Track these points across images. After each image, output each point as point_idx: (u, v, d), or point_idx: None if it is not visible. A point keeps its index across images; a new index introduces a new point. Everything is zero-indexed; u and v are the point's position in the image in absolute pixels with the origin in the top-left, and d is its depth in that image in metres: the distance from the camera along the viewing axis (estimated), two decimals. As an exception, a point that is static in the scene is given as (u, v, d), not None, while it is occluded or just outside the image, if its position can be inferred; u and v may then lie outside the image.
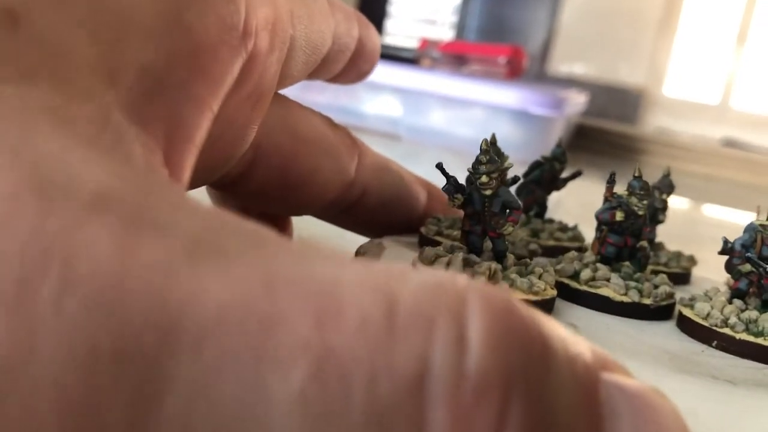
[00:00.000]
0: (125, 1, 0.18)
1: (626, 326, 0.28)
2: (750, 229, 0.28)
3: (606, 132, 1.33)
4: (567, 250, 0.34)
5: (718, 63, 1.54)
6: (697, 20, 1.53)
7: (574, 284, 0.30)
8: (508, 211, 0.28)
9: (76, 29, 0.17)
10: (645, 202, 0.31)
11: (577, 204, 0.89)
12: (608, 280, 0.29)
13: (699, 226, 0.87)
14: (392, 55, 1.12)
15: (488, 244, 0.29)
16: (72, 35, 0.17)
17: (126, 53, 0.17)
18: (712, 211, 0.99)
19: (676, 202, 0.97)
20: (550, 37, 1.52)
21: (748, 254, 0.28)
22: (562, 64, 1.54)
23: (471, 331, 0.11)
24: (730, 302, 0.28)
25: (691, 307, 0.29)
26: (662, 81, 1.56)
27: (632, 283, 0.29)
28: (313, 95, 1.15)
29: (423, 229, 0.35)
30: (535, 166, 0.42)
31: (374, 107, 1.10)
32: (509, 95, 1.00)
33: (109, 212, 0.12)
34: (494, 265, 0.26)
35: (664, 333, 0.28)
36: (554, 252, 0.35)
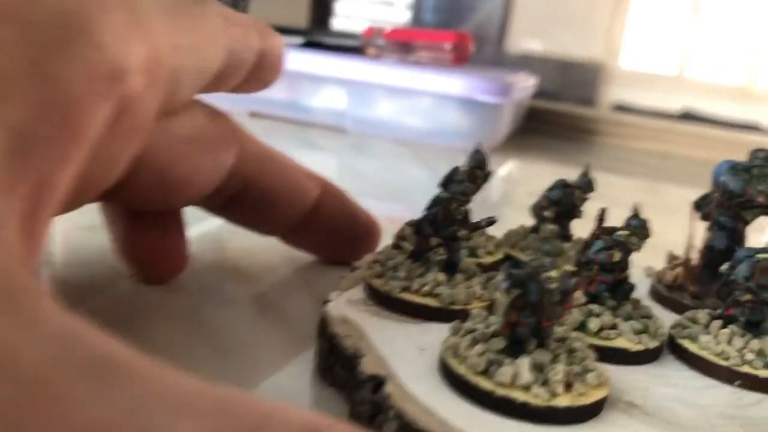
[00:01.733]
0: None
1: (649, 379, 0.28)
2: (747, 259, 0.30)
3: (559, 114, 1.31)
4: None
5: (673, 33, 1.54)
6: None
7: (590, 339, 0.29)
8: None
9: None
10: (643, 241, 0.31)
11: (526, 192, 0.87)
12: (614, 327, 0.29)
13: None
14: (337, 46, 1.09)
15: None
16: None
17: None
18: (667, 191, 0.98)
19: (631, 184, 0.96)
20: (506, 15, 1.50)
21: (749, 284, 0.29)
22: (519, 43, 1.52)
23: None
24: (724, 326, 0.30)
25: (693, 339, 0.29)
26: (618, 54, 1.55)
27: (635, 324, 0.30)
28: (262, 92, 1.12)
29: (366, 275, 0.33)
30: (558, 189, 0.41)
31: (319, 100, 1.06)
32: (455, 83, 0.98)
33: None
34: (567, 368, 0.24)
35: (684, 380, 0.29)
36: None
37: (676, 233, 0.71)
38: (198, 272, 0.42)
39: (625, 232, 0.31)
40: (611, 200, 0.89)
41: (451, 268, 0.33)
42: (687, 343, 0.30)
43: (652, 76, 1.52)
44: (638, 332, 0.29)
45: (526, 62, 1.41)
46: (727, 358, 0.28)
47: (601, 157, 1.17)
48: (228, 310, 0.38)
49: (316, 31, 1.34)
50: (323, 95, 1.06)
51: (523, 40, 1.53)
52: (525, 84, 1.12)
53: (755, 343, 0.28)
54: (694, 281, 0.39)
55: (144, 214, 0.36)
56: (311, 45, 1.11)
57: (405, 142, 1.03)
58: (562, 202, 0.41)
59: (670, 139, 1.26)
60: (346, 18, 1.51)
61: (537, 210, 0.42)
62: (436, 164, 0.94)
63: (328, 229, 0.41)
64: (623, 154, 1.21)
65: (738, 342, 0.29)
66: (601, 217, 0.33)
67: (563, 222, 0.41)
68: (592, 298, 0.31)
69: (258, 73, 0.33)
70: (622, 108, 1.44)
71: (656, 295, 0.40)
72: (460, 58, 1.07)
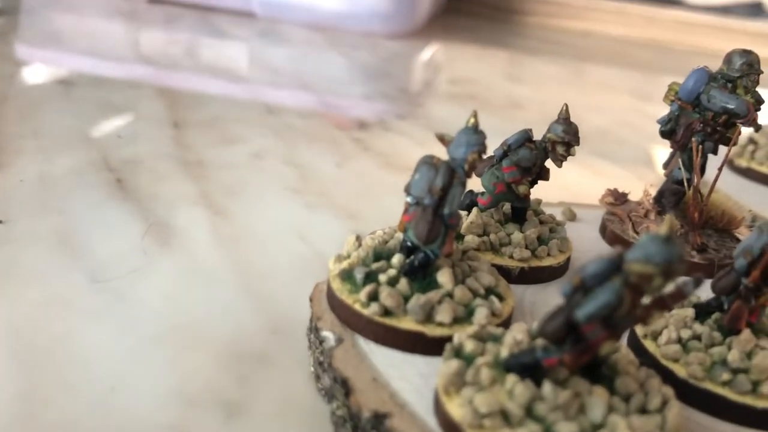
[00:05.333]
0: None
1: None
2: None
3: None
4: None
5: None
6: None
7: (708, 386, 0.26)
8: None
9: None
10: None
11: (448, 80, 0.83)
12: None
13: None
14: None
15: None
16: None
17: None
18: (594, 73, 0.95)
19: (555, 67, 0.92)
20: None
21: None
22: None
23: None
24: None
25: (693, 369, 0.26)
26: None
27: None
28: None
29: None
30: None
31: (223, -18, 0.97)
32: (371, -40, 0.91)
33: None
34: None
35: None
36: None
37: (602, 119, 0.69)
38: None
39: None
40: (537, 84, 0.86)
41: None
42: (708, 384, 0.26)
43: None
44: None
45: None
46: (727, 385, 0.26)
47: (526, 38, 1.13)
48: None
49: None
50: (227, -24, 0.97)
51: None
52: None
53: (733, 358, 0.26)
54: (695, 227, 0.35)
55: None
56: None
57: (318, 27, 0.96)
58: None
59: (594, 16, 1.22)
60: None
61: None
62: (352, 52, 0.88)
63: None
64: (548, 35, 1.17)
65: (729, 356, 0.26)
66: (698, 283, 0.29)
67: None
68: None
69: None
70: None
71: (625, 245, 0.37)
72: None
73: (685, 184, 0.35)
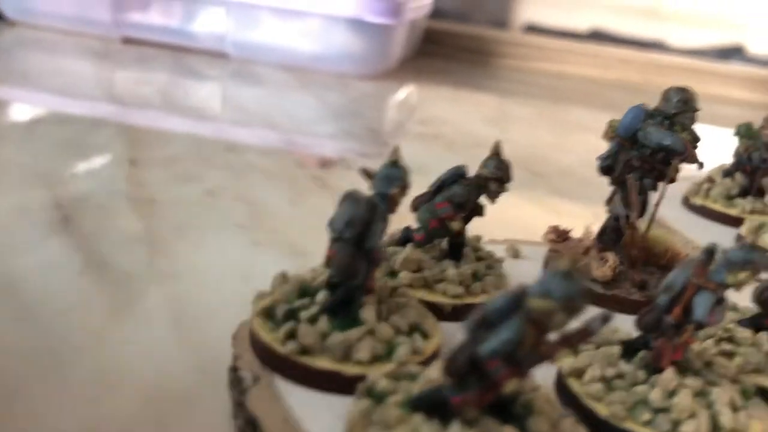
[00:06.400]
0: None
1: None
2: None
3: (458, 35, 1.26)
4: None
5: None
6: None
7: None
8: None
9: None
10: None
11: (420, 120, 0.83)
12: None
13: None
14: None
15: None
16: None
17: None
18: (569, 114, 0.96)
19: (529, 107, 0.93)
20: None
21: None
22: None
23: None
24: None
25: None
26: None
27: None
28: (136, 16, 1.03)
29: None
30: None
31: (198, 24, 0.98)
32: (343, 3, 0.91)
33: None
34: None
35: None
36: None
37: (568, 158, 0.69)
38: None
39: None
40: (507, 124, 0.86)
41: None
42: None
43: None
44: None
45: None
46: None
47: (499, 80, 1.14)
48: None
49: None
50: (202, 18, 0.98)
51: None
52: (419, 3, 1.06)
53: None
54: (635, 264, 0.34)
55: None
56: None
57: (291, 68, 0.97)
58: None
59: (569, 59, 1.23)
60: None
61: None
62: (323, 92, 0.88)
63: None
64: (523, 77, 1.18)
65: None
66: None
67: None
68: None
69: None
70: (532, 28, 1.40)
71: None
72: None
73: (624, 221, 0.35)
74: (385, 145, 0.69)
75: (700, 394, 0.25)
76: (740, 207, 0.50)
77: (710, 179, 0.53)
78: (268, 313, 0.28)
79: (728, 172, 0.52)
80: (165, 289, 0.38)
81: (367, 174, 0.27)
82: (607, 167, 0.35)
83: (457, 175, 0.32)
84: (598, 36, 1.36)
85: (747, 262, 0.24)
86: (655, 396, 0.24)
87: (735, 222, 0.49)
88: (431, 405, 0.22)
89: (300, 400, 0.25)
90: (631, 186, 0.34)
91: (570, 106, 1.00)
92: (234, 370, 0.28)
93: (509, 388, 0.21)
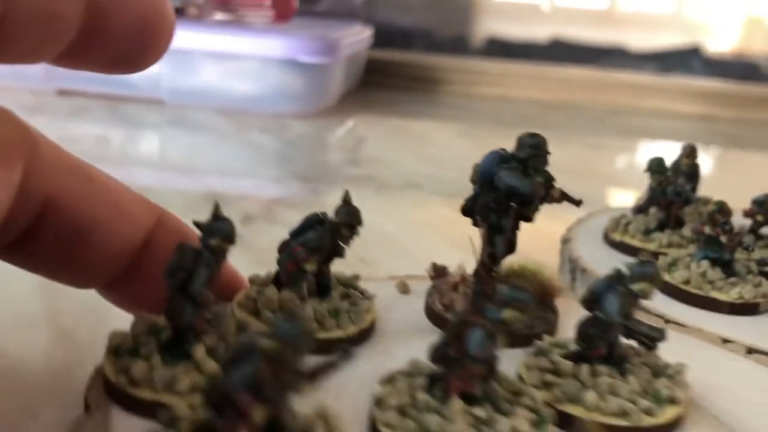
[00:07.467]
0: None
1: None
2: (612, 292, 0.30)
3: (399, 64, 1.27)
4: None
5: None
6: None
7: None
8: None
9: None
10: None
11: (367, 158, 0.82)
12: None
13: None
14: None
15: None
16: None
17: None
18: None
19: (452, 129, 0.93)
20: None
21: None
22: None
23: None
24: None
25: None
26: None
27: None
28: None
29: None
30: None
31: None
32: (276, 45, 0.92)
33: None
34: None
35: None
36: None
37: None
38: None
39: None
40: (444, 158, 0.86)
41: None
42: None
43: (522, 6, 1.50)
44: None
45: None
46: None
47: (442, 106, 1.14)
48: None
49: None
50: (136, 65, 0.97)
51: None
52: (356, 38, 1.06)
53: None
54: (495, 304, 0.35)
55: None
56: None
57: (228, 111, 0.96)
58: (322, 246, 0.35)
59: (511, 82, 1.24)
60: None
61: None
62: (258, 136, 0.88)
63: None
64: (465, 103, 1.18)
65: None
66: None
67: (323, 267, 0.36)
68: None
69: (94, 41, 0.23)
70: (494, 41, 1.41)
71: (435, 317, 0.37)
72: (283, 15, 1.01)
73: (487, 260, 0.36)
74: (314, 193, 0.69)
75: (485, 422, 0.26)
76: (657, 241, 0.51)
77: (625, 215, 0.53)
78: (114, 351, 0.30)
79: (640, 209, 0.52)
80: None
81: (198, 225, 0.29)
82: (468, 209, 0.36)
83: (314, 221, 0.35)
84: (558, 45, 1.37)
85: (513, 299, 0.26)
86: (434, 423, 0.25)
87: (653, 257, 0.50)
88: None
89: (127, 429, 0.27)
90: (482, 227, 0.36)
91: (508, 129, 1.00)
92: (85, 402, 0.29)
93: (257, 417, 0.22)
